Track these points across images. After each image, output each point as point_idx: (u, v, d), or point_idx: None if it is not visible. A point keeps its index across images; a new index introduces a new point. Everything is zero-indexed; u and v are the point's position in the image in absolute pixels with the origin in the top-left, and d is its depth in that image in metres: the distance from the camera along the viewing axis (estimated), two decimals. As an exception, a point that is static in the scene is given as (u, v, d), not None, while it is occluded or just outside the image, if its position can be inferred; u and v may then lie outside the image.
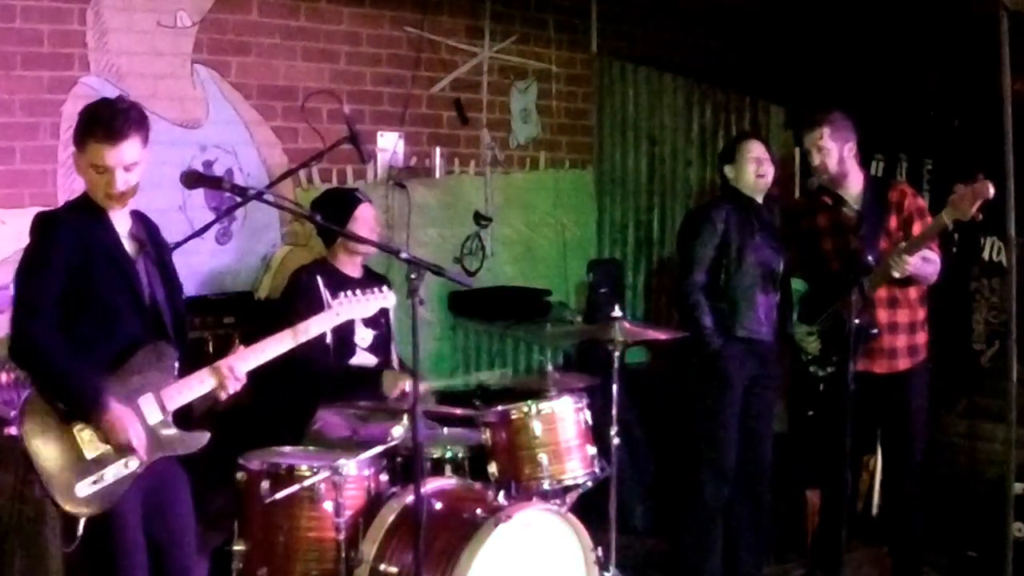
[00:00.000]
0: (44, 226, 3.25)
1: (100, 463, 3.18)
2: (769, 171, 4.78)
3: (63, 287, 3.18)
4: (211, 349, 4.79)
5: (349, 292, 3.77)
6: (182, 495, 3.46)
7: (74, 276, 3.19)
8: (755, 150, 4.77)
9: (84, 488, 3.15)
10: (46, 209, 3.40)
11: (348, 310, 3.71)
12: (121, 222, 3.36)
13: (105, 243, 3.27)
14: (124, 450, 3.17)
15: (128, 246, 3.34)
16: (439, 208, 6.20)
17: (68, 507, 3.16)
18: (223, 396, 3.36)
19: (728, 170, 4.78)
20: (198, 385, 3.32)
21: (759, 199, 4.79)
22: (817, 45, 6.19)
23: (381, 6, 5.89)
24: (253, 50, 5.44)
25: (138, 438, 3.17)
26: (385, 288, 3.91)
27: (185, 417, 3.38)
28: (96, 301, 3.23)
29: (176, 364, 3.35)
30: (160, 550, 3.37)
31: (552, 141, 6.73)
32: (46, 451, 3.16)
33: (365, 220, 4.62)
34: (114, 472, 3.18)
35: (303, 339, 3.57)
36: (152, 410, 3.27)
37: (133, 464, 3.21)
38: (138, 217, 3.45)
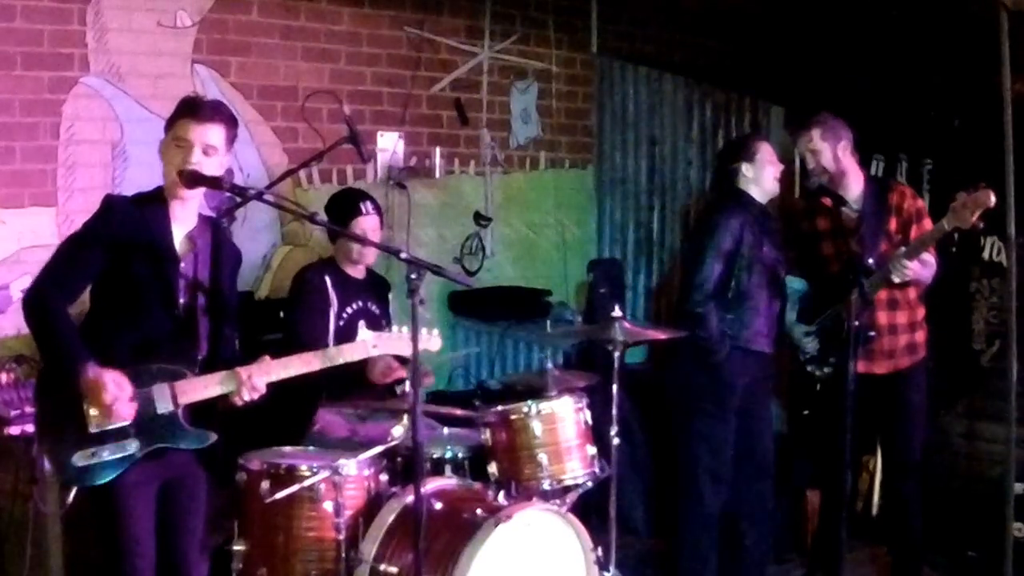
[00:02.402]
0: (101, 208, 3.35)
1: (100, 439, 3.21)
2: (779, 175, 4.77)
3: (100, 268, 3.27)
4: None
5: (396, 328, 3.69)
6: (198, 498, 3.49)
7: (113, 261, 3.26)
8: (773, 152, 4.69)
9: (80, 459, 3.19)
10: (114, 193, 3.50)
11: (386, 345, 3.64)
12: (184, 220, 3.40)
13: (153, 236, 3.31)
14: (110, 412, 3.17)
15: (180, 245, 3.38)
16: (439, 208, 6.20)
17: (60, 475, 3.25)
18: (238, 403, 3.35)
19: (746, 168, 4.61)
20: (214, 386, 3.33)
21: (765, 203, 4.71)
22: (817, 45, 6.18)
23: (381, 6, 5.88)
24: (253, 50, 5.44)
25: (118, 398, 3.17)
26: (436, 332, 3.80)
27: (206, 414, 3.38)
28: (128, 288, 3.28)
29: (198, 361, 3.37)
30: (166, 547, 3.39)
31: (552, 141, 6.73)
32: (53, 418, 3.23)
33: (364, 232, 4.52)
34: (111, 450, 3.21)
35: (329, 364, 3.55)
36: (164, 400, 3.28)
37: (132, 446, 3.23)
38: (208, 222, 3.50)
